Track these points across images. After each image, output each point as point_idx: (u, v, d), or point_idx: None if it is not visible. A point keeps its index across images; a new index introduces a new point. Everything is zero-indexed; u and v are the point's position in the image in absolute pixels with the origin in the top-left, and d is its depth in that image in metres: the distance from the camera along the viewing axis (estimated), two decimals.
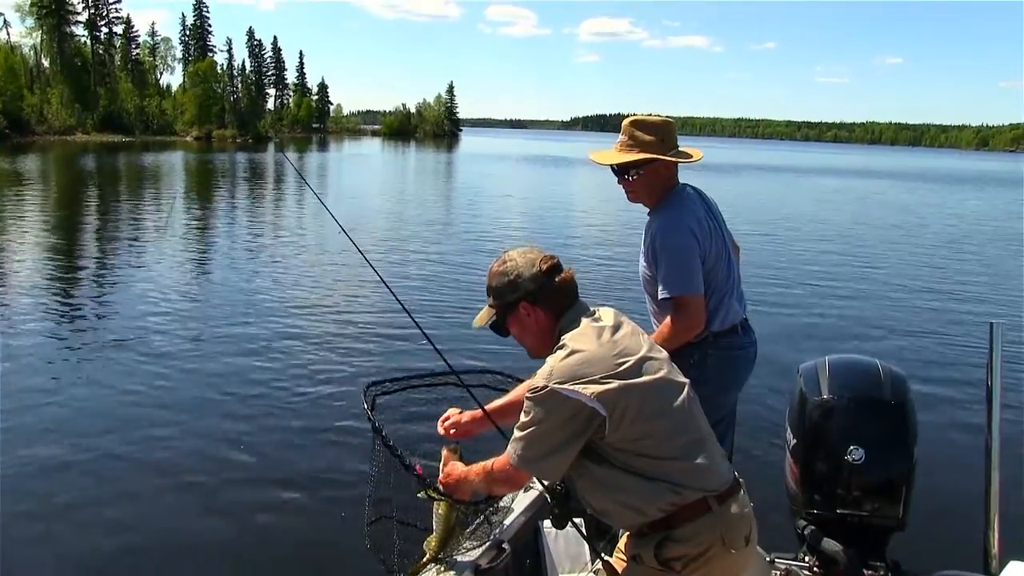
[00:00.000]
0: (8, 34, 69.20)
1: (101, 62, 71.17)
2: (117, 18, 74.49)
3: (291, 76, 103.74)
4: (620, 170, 2.45)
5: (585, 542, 2.06)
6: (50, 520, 3.73)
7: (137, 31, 79.20)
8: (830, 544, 2.39)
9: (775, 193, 30.62)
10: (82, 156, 39.87)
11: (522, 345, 1.80)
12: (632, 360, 1.60)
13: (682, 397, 1.64)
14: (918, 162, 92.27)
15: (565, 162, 50.37)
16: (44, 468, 4.25)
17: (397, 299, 2.17)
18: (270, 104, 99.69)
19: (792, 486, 2.51)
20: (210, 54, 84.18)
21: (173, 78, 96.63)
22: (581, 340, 1.62)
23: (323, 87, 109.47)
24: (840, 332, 7.83)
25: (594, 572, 2.34)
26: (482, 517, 2.08)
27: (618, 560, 1.76)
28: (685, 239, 2.36)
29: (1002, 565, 2.09)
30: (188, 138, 68.65)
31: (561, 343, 1.64)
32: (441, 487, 1.90)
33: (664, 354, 1.72)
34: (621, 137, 2.47)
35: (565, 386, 1.55)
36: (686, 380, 1.70)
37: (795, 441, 2.50)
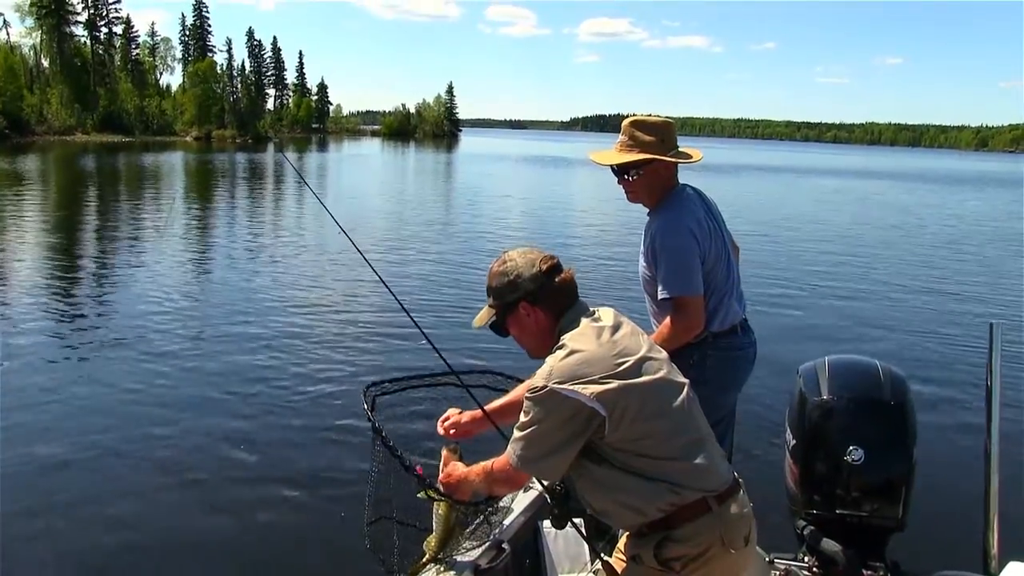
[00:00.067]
0: (8, 34, 69.33)
1: (101, 62, 71.15)
2: (117, 18, 74.57)
3: (291, 76, 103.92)
4: (620, 170, 2.45)
5: (585, 542, 2.06)
6: (50, 517, 3.74)
7: (137, 31, 79.33)
8: (829, 544, 2.39)
9: (775, 194, 30.63)
10: (82, 156, 39.86)
11: (521, 345, 1.80)
12: (632, 360, 1.60)
13: (682, 397, 1.64)
14: (917, 163, 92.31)
15: (564, 162, 50.38)
16: (44, 466, 4.27)
17: (396, 299, 2.17)
18: (270, 104, 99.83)
19: (792, 486, 2.51)
20: (210, 54, 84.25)
21: (173, 78, 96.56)
22: (581, 340, 1.62)
23: (323, 87, 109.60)
24: (840, 332, 7.83)
25: (593, 572, 2.34)
26: (482, 517, 2.08)
27: (617, 560, 1.76)
28: (685, 240, 2.36)
29: (1001, 565, 2.09)
30: (188, 138, 68.65)
31: (561, 343, 1.64)
32: (441, 487, 1.90)
33: (664, 354, 1.72)
34: (621, 137, 2.47)
35: (565, 386, 1.55)
36: (686, 380, 1.70)
37: (795, 441, 2.50)
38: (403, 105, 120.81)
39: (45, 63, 68.25)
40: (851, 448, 2.32)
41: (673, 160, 2.42)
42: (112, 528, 3.69)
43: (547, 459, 1.61)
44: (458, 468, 1.89)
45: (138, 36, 79.76)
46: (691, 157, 2.47)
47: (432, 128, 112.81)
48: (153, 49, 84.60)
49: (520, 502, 2.40)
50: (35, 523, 3.70)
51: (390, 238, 13.39)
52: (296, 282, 9.64)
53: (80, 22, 69.86)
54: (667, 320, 2.38)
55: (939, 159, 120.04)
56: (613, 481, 1.61)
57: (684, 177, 2.54)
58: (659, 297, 2.39)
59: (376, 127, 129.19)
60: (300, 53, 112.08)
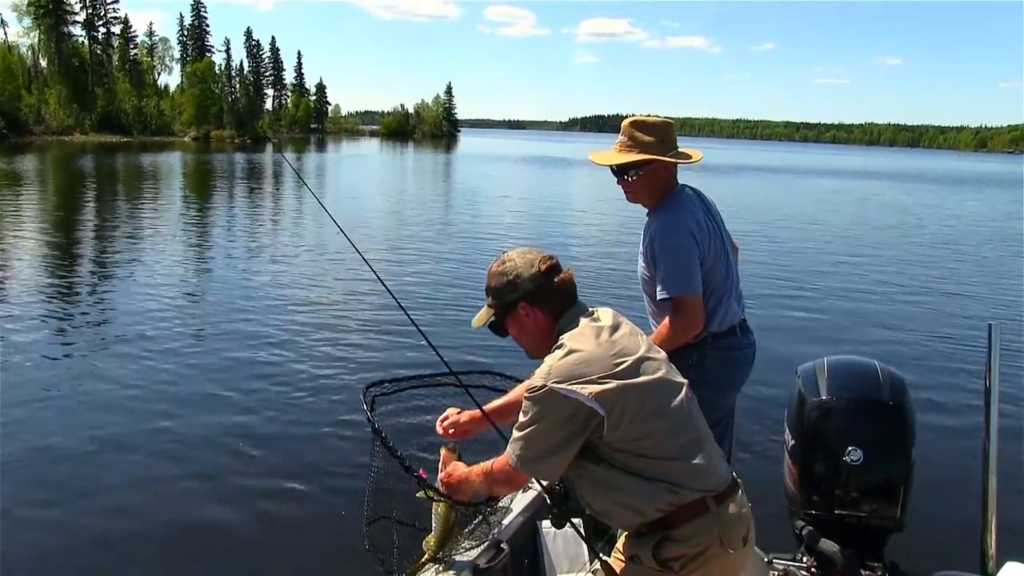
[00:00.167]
0: (5, 34, 69.22)
1: (99, 62, 71.11)
2: (115, 18, 74.54)
3: (289, 76, 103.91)
4: (619, 171, 2.45)
5: (583, 542, 2.06)
6: (52, 508, 3.80)
7: (135, 31, 79.32)
8: (828, 544, 2.40)
9: (774, 194, 30.65)
10: (80, 156, 39.82)
11: (520, 345, 1.80)
12: (630, 360, 1.60)
13: (680, 397, 1.64)
14: (917, 163, 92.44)
15: (563, 163, 50.40)
16: (47, 458, 4.32)
17: (395, 299, 2.17)
18: (268, 104, 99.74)
19: (790, 487, 2.52)
20: (208, 54, 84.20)
21: (171, 78, 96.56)
22: (579, 340, 1.62)
23: (321, 87, 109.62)
24: (839, 333, 7.84)
25: (592, 572, 2.34)
26: (481, 517, 2.09)
27: (616, 560, 1.76)
28: (684, 240, 2.36)
29: (999, 565, 2.10)
30: (186, 138, 68.61)
31: (559, 343, 1.64)
32: (440, 487, 1.90)
33: (662, 354, 1.73)
34: (621, 138, 2.47)
35: (563, 386, 1.55)
36: (684, 380, 1.70)
37: (793, 442, 2.51)
38: (402, 105, 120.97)
39: (43, 63, 68.20)
40: (850, 448, 2.32)
41: (673, 161, 2.42)
42: (111, 521, 3.72)
43: (546, 459, 1.61)
44: (458, 468, 1.89)
45: (136, 36, 79.86)
46: (691, 157, 2.47)
47: (431, 128, 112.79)
48: (151, 49, 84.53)
49: (519, 502, 2.40)
50: (38, 513, 3.75)
51: (389, 238, 13.39)
52: (295, 282, 9.64)
53: (78, 22, 69.92)
54: (666, 320, 2.38)
55: (938, 160, 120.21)
56: (612, 481, 1.61)
57: (683, 177, 2.54)
58: (658, 297, 2.39)
59: (375, 127, 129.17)
60: (299, 53, 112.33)
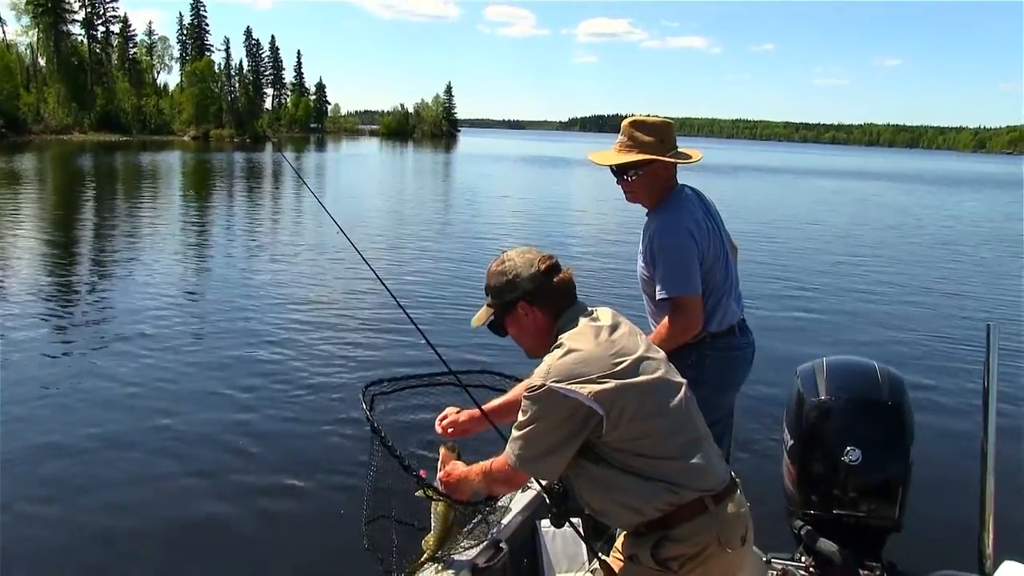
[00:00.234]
0: (4, 32, 69.14)
1: (98, 61, 71.03)
2: (114, 17, 74.46)
3: (289, 76, 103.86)
4: (619, 171, 2.46)
5: (582, 542, 2.06)
6: (52, 503, 3.83)
7: (134, 30, 79.28)
8: (826, 544, 2.40)
9: (773, 194, 30.67)
10: (79, 155, 39.79)
11: (520, 345, 1.81)
12: (629, 360, 1.60)
13: (679, 397, 1.64)
14: (916, 164, 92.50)
15: (563, 162, 50.40)
16: (47, 455, 4.35)
17: (394, 298, 2.17)
18: (268, 104, 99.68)
19: (789, 486, 2.52)
20: (207, 53, 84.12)
21: (170, 77, 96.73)
22: (579, 339, 1.63)
23: (321, 87, 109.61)
24: (838, 333, 7.84)
25: (591, 572, 2.34)
26: (480, 516, 2.09)
27: (615, 560, 1.76)
28: (683, 240, 2.36)
29: (996, 565, 2.10)
30: (185, 138, 68.55)
31: (559, 342, 1.65)
32: (440, 486, 1.91)
33: (661, 354, 1.73)
34: (620, 138, 2.47)
35: (562, 385, 1.55)
36: (683, 380, 1.70)
37: (792, 442, 2.51)
38: (401, 105, 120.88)
39: (42, 62, 68.13)
40: (848, 448, 2.33)
41: (672, 161, 2.42)
42: (111, 517, 3.74)
43: (545, 458, 1.61)
44: (457, 467, 1.89)
45: (135, 35, 79.84)
46: (690, 158, 2.47)
47: (430, 128, 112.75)
48: (150, 48, 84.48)
49: (518, 502, 2.41)
50: (38, 509, 3.78)
51: (388, 238, 13.39)
52: (295, 281, 9.63)
53: (77, 20, 69.82)
54: (665, 320, 2.38)
55: (937, 160, 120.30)
56: (611, 480, 1.61)
57: (682, 177, 2.54)
58: (657, 297, 2.40)
59: (374, 127, 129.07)
60: (298, 52, 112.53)
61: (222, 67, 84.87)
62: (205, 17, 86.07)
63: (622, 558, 1.71)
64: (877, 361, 2.60)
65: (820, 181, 41.84)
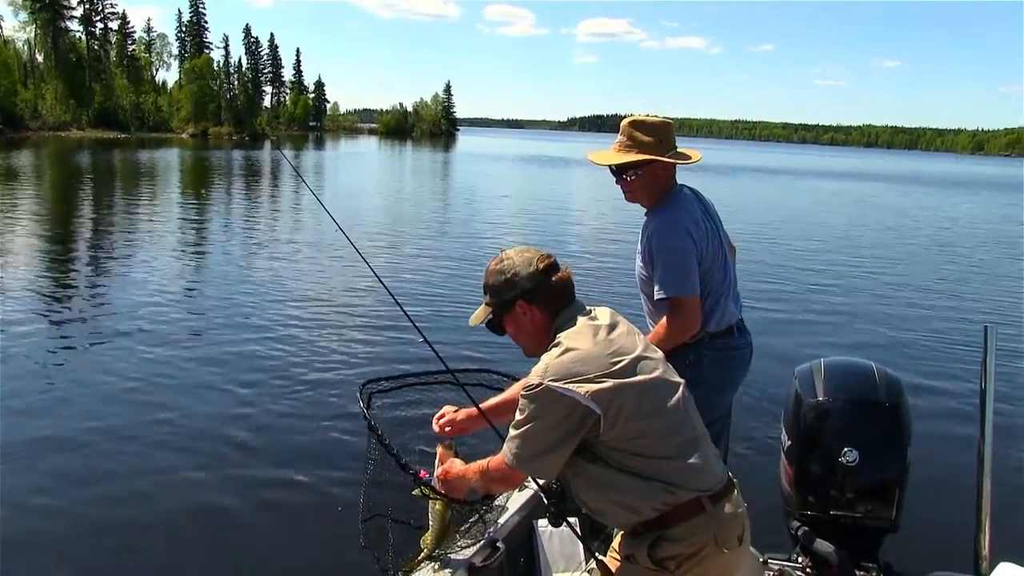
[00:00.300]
0: (1, 28, 68.88)
1: (96, 58, 70.87)
2: (112, 14, 74.26)
3: (288, 74, 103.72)
4: (618, 170, 2.45)
5: (579, 541, 2.06)
6: (52, 497, 3.86)
7: (133, 27, 79.14)
8: (823, 545, 2.40)
9: (772, 195, 30.70)
10: (77, 152, 39.70)
11: (518, 344, 1.80)
12: (627, 359, 1.60)
13: (677, 397, 1.64)
14: (914, 165, 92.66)
15: (562, 162, 50.40)
16: (47, 449, 4.38)
17: (393, 297, 2.17)
18: (266, 102, 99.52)
19: (786, 487, 2.52)
20: (206, 51, 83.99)
21: (169, 75, 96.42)
22: (576, 338, 1.63)
23: (320, 85, 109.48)
24: (836, 334, 7.85)
25: (588, 571, 2.34)
26: (477, 516, 2.09)
27: (612, 559, 1.76)
28: (682, 240, 2.36)
29: (992, 566, 2.11)
30: (184, 135, 68.46)
31: (557, 341, 1.64)
32: (437, 485, 1.90)
33: (659, 354, 1.73)
34: (620, 137, 2.47)
35: (560, 384, 1.55)
36: (681, 380, 1.70)
37: (789, 442, 2.51)
38: (400, 104, 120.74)
39: (39, 58, 67.99)
40: (846, 449, 2.33)
41: (671, 161, 2.42)
42: (110, 509, 3.78)
43: (542, 457, 1.61)
44: (455, 465, 1.89)
45: (134, 32, 79.72)
46: (690, 158, 2.47)
47: (429, 127, 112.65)
48: (149, 45, 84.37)
49: (515, 501, 2.41)
50: (39, 501, 3.81)
51: (387, 236, 13.38)
52: (293, 279, 9.62)
53: (75, 17, 69.63)
54: (663, 320, 2.38)
55: (935, 162, 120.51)
56: (608, 480, 1.61)
57: (681, 177, 2.54)
58: (656, 297, 2.40)
59: (373, 125, 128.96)
60: (297, 50, 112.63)
61: (221, 65, 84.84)
62: (204, 14, 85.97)
63: (619, 558, 1.71)
64: (875, 362, 2.60)
65: (819, 182, 41.89)
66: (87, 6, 70.68)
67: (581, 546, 2.39)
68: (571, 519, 1.89)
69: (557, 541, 2.47)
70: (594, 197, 22.75)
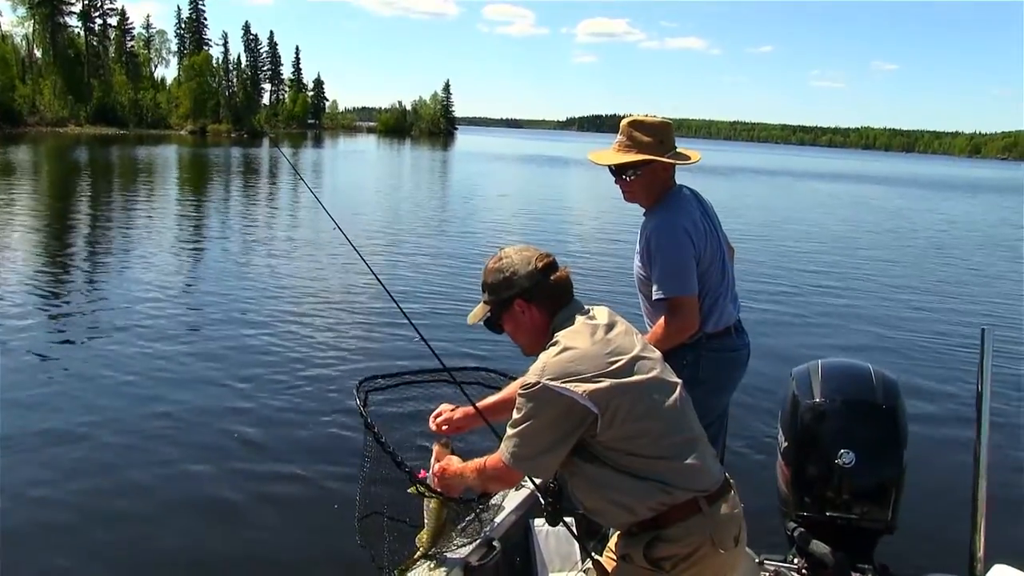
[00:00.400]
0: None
1: (95, 54, 70.71)
2: (111, 10, 74.13)
3: (287, 71, 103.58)
4: (618, 170, 2.45)
5: (575, 541, 2.06)
6: (51, 488, 3.88)
7: (132, 23, 78.97)
8: (819, 546, 2.40)
9: (770, 196, 30.73)
10: (75, 148, 39.61)
11: (516, 342, 1.80)
12: (625, 359, 1.60)
13: (674, 397, 1.64)
14: (912, 168, 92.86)
15: (561, 162, 50.41)
16: (47, 441, 4.40)
17: (390, 295, 2.17)
18: (265, 99, 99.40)
19: (783, 488, 2.53)
20: (205, 48, 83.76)
21: (168, 71, 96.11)
22: (574, 338, 1.63)
23: (319, 83, 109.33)
24: (833, 335, 7.86)
25: (584, 571, 2.34)
26: (473, 514, 2.09)
27: (608, 559, 1.76)
28: (680, 240, 2.36)
29: (987, 568, 2.11)
30: (182, 132, 68.32)
31: (554, 340, 1.64)
32: (434, 483, 1.90)
33: (657, 354, 1.73)
34: (619, 137, 2.47)
35: (557, 383, 1.55)
36: (679, 380, 1.70)
37: (786, 443, 2.51)
38: (399, 102, 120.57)
39: (38, 53, 67.79)
40: (842, 451, 2.33)
41: (671, 161, 2.42)
42: (106, 500, 3.80)
43: (539, 457, 1.61)
44: (452, 464, 1.89)
45: (133, 28, 79.54)
46: (689, 158, 2.46)
47: (428, 126, 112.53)
48: (148, 41, 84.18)
49: (511, 500, 2.41)
50: (39, 492, 3.83)
51: (385, 234, 13.37)
52: (291, 276, 9.61)
53: (74, 12, 69.49)
54: (661, 320, 2.38)
55: (932, 165, 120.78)
56: (605, 479, 1.61)
57: (680, 178, 2.54)
58: (654, 297, 2.39)
59: (372, 124, 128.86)
60: (296, 48, 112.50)
61: (220, 62, 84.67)
62: (203, 11, 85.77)
63: (615, 558, 1.71)
64: (872, 364, 2.60)
65: (817, 183, 41.95)
66: (86, 2, 70.53)
67: (577, 546, 2.39)
68: (568, 519, 1.89)
69: (553, 540, 2.47)
70: (592, 196, 22.76)
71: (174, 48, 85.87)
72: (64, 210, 15.95)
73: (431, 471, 1.93)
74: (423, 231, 14.34)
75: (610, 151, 2.47)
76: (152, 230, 13.16)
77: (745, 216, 19.16)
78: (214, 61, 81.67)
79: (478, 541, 2.12)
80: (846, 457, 2.32)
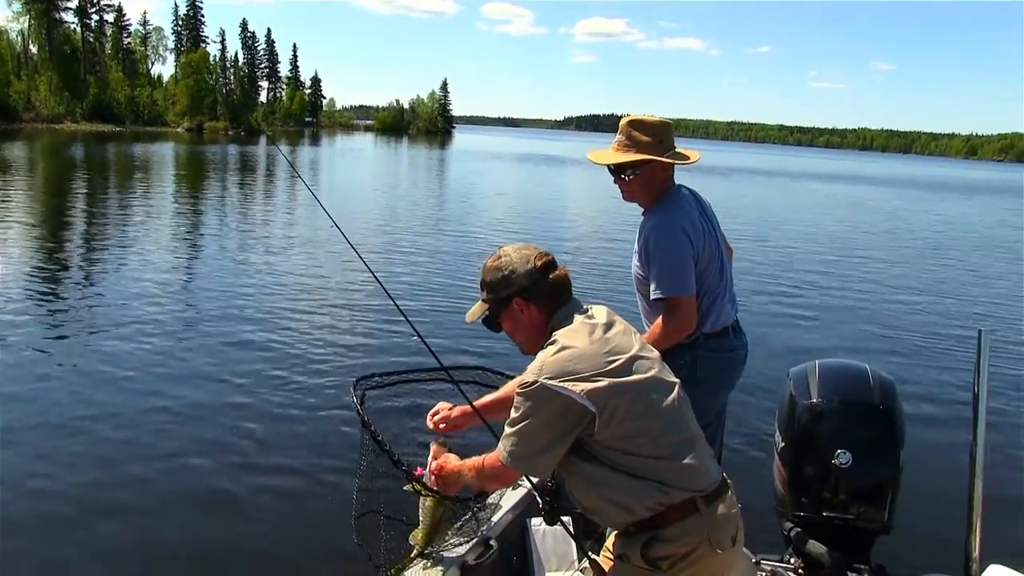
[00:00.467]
0: None
1: (91, 50, 70.50)
2: (108, 6, 73.98)
3: (284, 69, 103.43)
4: (617, 170, 2.45)
5: (572, 540, 2.06)
6: (51, 480, 3.92)
7: (129, 20, 78.76)
8: (816, 546, 2.41)
9: (768, 196, 30.77)
10: (71, 145, 39.48)
11: (514, 341, 1.80)
12: (623, 358, 1.60)
13: (672, 397, 1.64)
14: (908, 169, 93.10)
15: (558, 161, 50.42)
16: (45, 435, 4.43)
17: (388, 293, 2.16)
18: (262, 97, 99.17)
19: (780, 488, 2.53)
20: (203, 45, 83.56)
21: (165, 68, 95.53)
22: (572, 337, 1.62)
23: (316, 81, 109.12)
24: (830, 336, 7.88)
25: (581, 571, 2.34)
26: (470, 513, 2.08)
27: (605, 559, 1.76)
28: (679, 240, 2.36)
29: (983, 568, 2.11)
30: (179, 129, 68.14)
31: (553, 339, 1.64)
32: (431, 481, 1.90)
33: (655, 353, 1.73)
34: (619, 137, 2.46)
35: (555, 382, 1.55)
36: (676, 380, 1.70)
37: (783, 444, 2.51)
38: (397, 101, 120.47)
39: (33, 49, 67.54)
40: (839, 451, 2.33)
41: (670, 161, 2.41)
42: (104, 493, 3.82)
43: (537, 456, 1.61)
44: (449, 462, 1.88)
45: (130, 24, 79.30)
46: (688, 158, 2.46)
47: (425, 124, 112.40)
48: (145, 38, 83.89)
49: (508, 499, 2.40)
50: (36, 484, 3.87)
51: (383, 232, 13.36)
52: (289, 273, 9.60)
53: (70, 8, 69.33)
54: (659, 320, 2.38)
55: (929, 166, 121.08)
56: (602, 479, 1.61)
57: (678, 178, 2.54)
58: (652, 297, 2.39)
59: (369, 122, 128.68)
60: (294, 46, 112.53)
61: (217, 59, 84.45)
62: (200, 8, 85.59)
63: (612, 557, 1.71)
64: (869, 364, 2.61)
65: (814, 184, 42.02)
66: None
67: (574, 545, 2.39)
68: (565, 518, 1.89)
69: (550, 540, 2.47)
70: (591, 196, 22.76)
71: (171, 45, 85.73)
72: (60, 207, 15.90)
73: (428, 469, 1.92)
74: (420, 229, 14.32)
75: (609, 150, 2.46)
76: (149, 227, 13.12)
77: (743, 216, 19.19)
78: (211, 58, 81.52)
79: (475, 540, 2.12)
80: (843, 457, 2.33)
